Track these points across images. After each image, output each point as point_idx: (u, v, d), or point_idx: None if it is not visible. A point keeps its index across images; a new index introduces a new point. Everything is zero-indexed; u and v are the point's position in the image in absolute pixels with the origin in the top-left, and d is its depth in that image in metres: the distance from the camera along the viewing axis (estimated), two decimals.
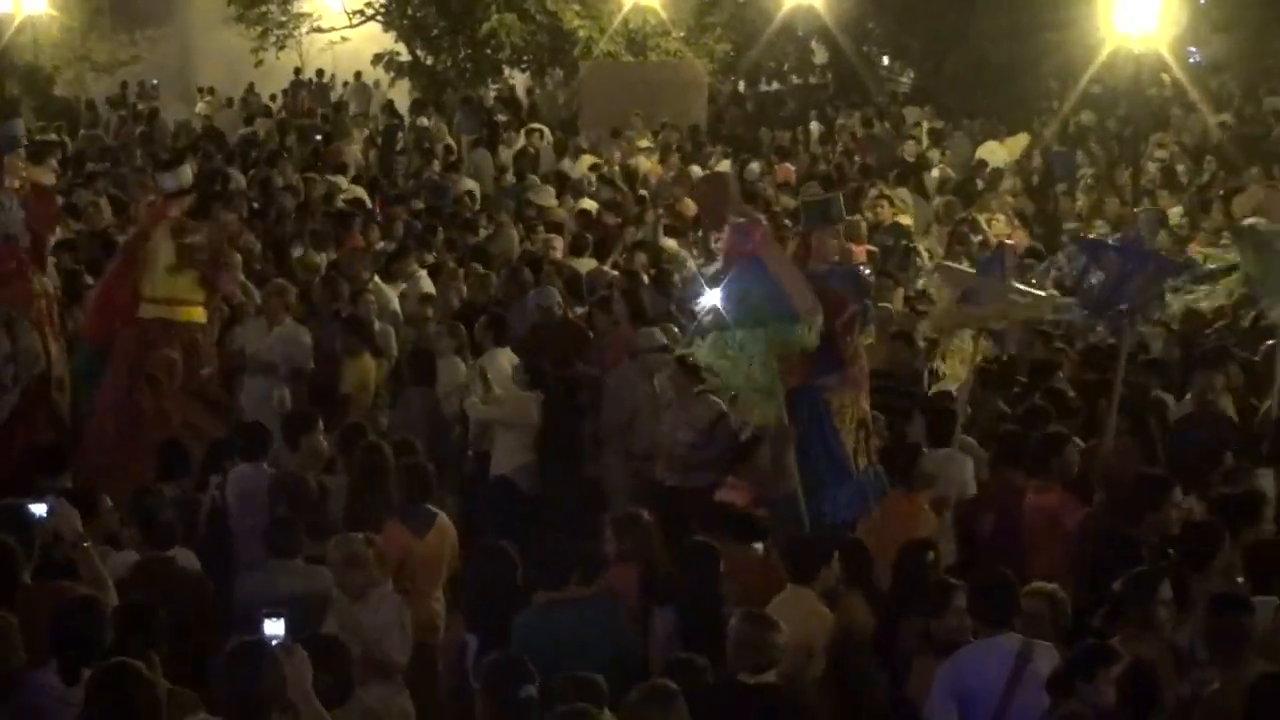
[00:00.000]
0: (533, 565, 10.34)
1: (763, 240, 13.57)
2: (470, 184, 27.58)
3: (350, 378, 16.35)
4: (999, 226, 23.92)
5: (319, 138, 33.24)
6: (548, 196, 25.58)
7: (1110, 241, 18.89)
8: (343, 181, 27.37)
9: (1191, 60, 39.01)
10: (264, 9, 45.83)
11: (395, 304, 19.02)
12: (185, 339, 15.49)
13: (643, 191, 27.19)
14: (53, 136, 33.46)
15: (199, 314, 15.71)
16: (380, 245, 21.64)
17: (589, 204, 25.50)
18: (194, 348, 15.58)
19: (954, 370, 16.28)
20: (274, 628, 7.89)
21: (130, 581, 10.07)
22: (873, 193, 25.95)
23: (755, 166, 28.67)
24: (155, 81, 49.60)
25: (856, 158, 30.48)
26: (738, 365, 12.60)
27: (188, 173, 18.31)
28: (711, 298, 13.17)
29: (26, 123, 37.84)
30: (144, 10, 60.53)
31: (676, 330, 16.53)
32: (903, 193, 26.74)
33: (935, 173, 29.58)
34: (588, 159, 30.39)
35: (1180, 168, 29.36)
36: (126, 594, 9.75)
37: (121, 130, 37.80)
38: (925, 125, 34.22)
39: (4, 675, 8.00)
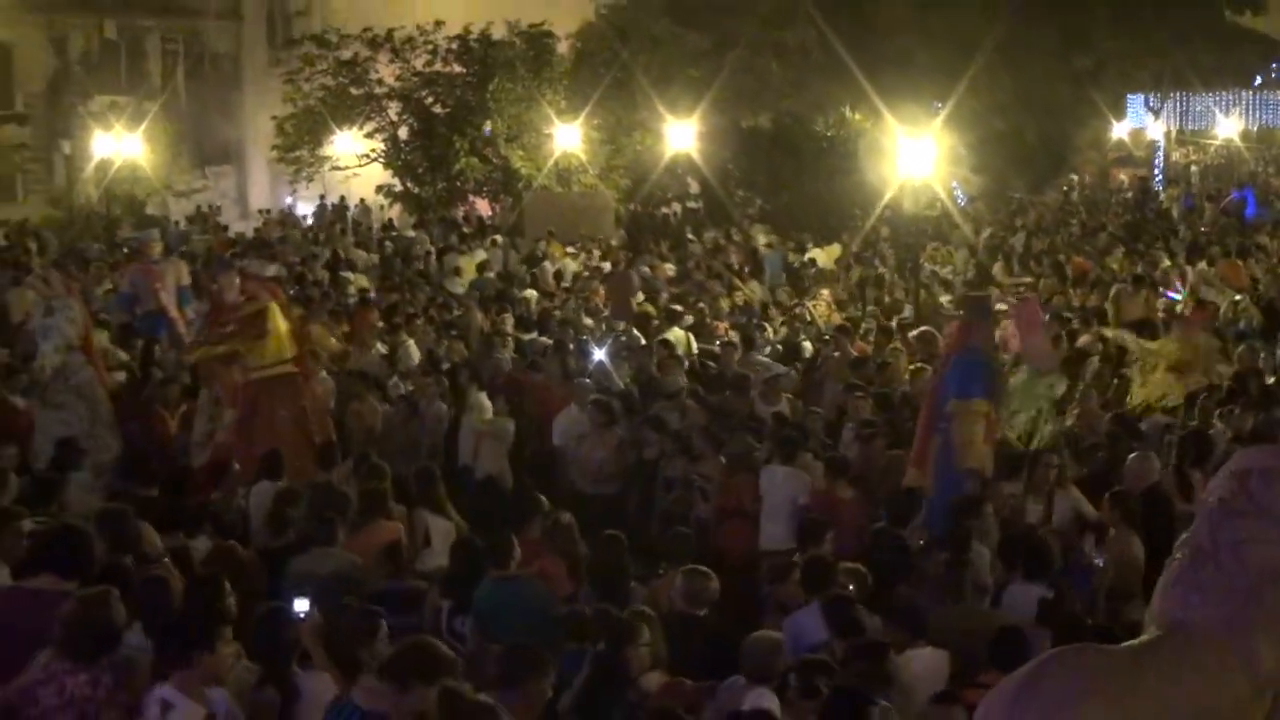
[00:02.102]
0: (489, 549, 10.32)
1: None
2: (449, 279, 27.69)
3: (365, 416, 16.38)
4: (821, 309, 24.16)
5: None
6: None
7: None
8: (351, 275, 27.44)
9: (955, 193, 39.42)
10: (298, 153, 45.84)
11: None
12: (288, 394, 15.14)
13: (565, 284, 27.36)
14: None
15: (294, 368, 15.39)
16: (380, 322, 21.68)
17: (530, 293, 25.63)
18: (295, 397, 15.25)
19: None
20: (300, 604, 8.01)
21: (206, 562, 10.09)
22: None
23: (646, 268, 28.77)
24: (219, 205, 49.40)
25: (720, 259, 30.62)
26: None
27: (274, 266, 18.43)
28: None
29: (124, 234, 37.75)
30: (211, 152, 60.48)
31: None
32: (753, 284, 26.98)
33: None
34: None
35: (948, 269, 29.71)
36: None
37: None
38: (763, 239, 34.40)
39: (114, 634, 7.61)
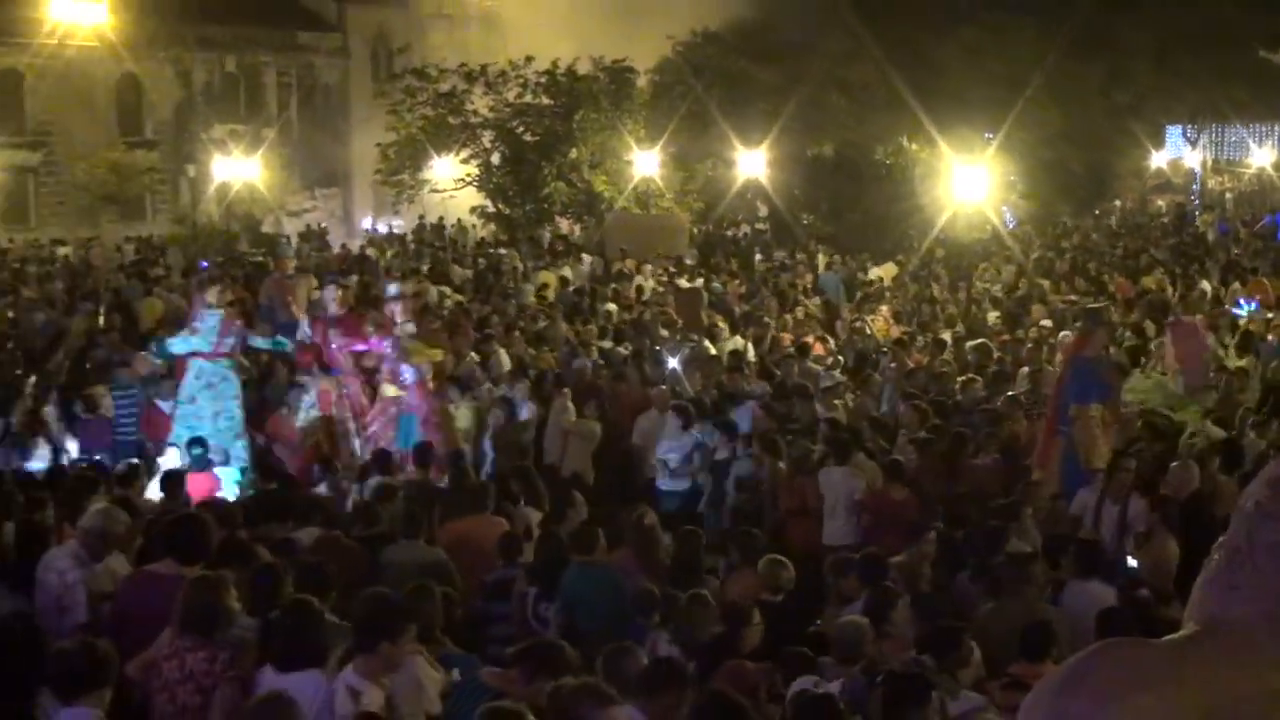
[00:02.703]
0: (573, 539, 10.35)
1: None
2: (530, 290, 27.67)
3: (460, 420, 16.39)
4: (880, 325, 24.04)
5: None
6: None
7: None
8: (448, 289, 27.44)
9: (1005, 216, 39.15)
10: (400, 177, 46.03)
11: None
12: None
13: (644, 298, 27.30)
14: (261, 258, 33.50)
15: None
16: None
17: (611, 306, 25.57)
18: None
19: None
20: None
21: (313, 549, 10.13)
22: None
23: (717, 285, 28.65)
24: (326, 225, 49.75)
25: (786, 277, 30.47)
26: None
27: (406, 285, 18.46)
28: None
29: (244, 248, 38.08)
30: (320, 175, 61.00)
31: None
32: (815, 300, 26.86)
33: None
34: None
35: (997, 285, 29.48)
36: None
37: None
38: (823, 259, 34.22)
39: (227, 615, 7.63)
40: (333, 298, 16.49)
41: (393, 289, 17.60)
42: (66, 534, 9.23)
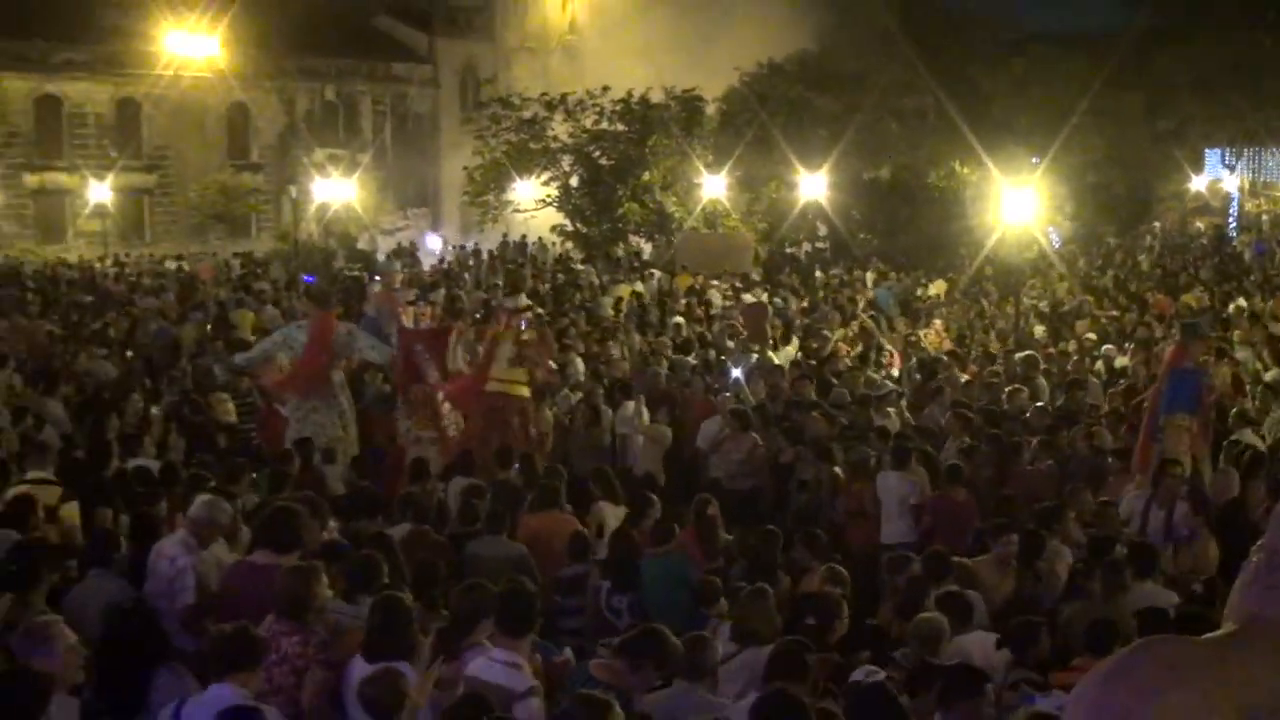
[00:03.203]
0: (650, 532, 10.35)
1: None
2: (608, 303, 27.65)
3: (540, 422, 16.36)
4: (933, 338, 23.87)
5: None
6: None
7: None
8: (523, 298, 27.49)
9: (1051, 236, 38.79)
10: (485, 198, 46.29)
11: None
12: (518, 408, 15.03)
13: (713, 311, 27.20)
14: (359, 273, 33.71)
15: (526, 391, 15.08)
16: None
17: (679, 319, 25.51)
18: (524, 414, 15.01)
19: None
20: None
21: (404, 544, 10.12)
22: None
23: (779, 300, 28.52)
24: (414, 241, 50.05)
25: (844, 292, 30.31)
26: None
27: (524, 298, 18.50)
28: None
29: (341, 265, 38.36)
30: (411, 196, 61.47)
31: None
32: (871, 315, 26.72)
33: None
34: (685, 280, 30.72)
35: (1043, 302, 29.21)
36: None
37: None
38: (870, 275, 33.97)
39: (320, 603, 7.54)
40: (426, 312, 16.52)
41: (509, 302, 17.68)
42: (177, 525, 9.32)
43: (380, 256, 42.83)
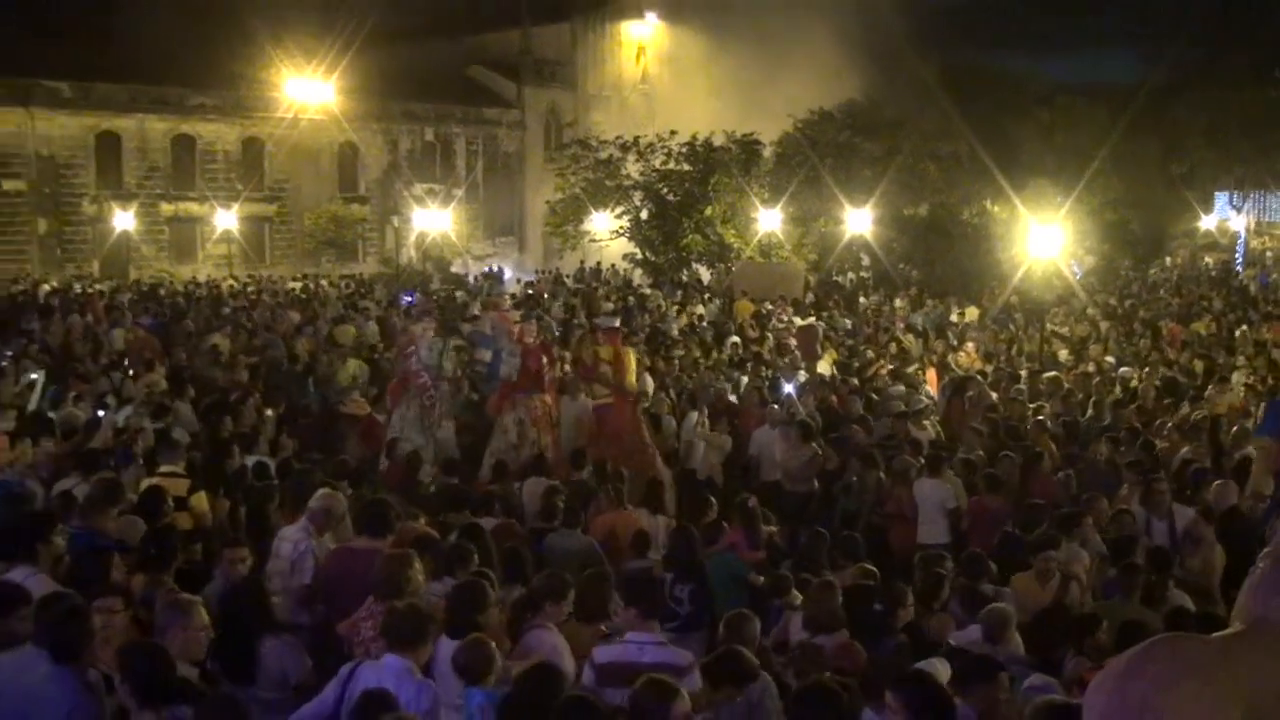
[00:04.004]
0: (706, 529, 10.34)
1: None
2: (676, 324, 27.62)
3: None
4: (964, 359, 23.67)
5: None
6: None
7: None
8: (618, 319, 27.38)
9: (1073, 269, 38.41)
10: (565, 228, 46.46)
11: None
12: (625, 418, 14.89)
13: (768, 333, 27.08)
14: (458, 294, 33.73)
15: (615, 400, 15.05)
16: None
17: (735, 338, 25.44)
18: (635, 424, 14.91)
19: None
20: None
21: (495, 533, 10.10)
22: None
23: (820, 324, 28.31)
24: (502, 266, 50.29)
25: (885, 317, 30.13)
26: None
27: (618, 319, 18.42)
28: None
29: (436, 286, 38.53)
30: (499, 226, 61.77)
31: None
32: (909, 337, 26.51)
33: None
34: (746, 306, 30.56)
35: (1065, 329, 28.87)
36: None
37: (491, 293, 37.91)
38: (899, 303, 33.72)
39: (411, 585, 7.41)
40: (532, 331, 16.49)
41: (606, 321, 17.61)
42: (293, 516, 9.42)
43: (470, 279, 43.01)
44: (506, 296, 25.00)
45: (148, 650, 5.58)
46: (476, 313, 24.29)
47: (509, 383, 15.35)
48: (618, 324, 18.41)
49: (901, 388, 19.26)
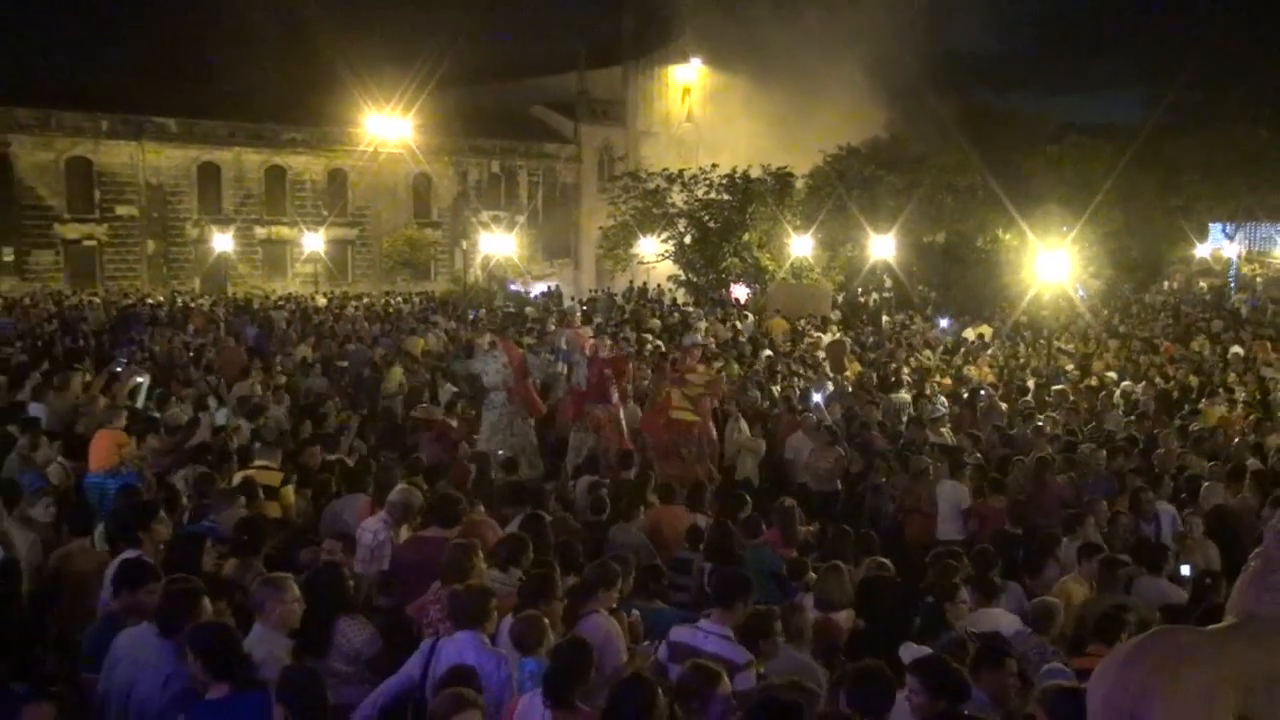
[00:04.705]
0: (739, 525, 10.29)
1: None
2: (710, 338, 27.53)
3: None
4: (976, 372, 23.52)
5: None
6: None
7: None
8: (650, 336, 27.41)
9: (1079, 293, 38.06)
10: (616, 252, 46.60)
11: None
12: (699, 430, 14.79)
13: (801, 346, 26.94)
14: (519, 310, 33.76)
15: (694, 417, 14.70)
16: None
17: (769, 352, 25.37)
18: (701, 438, 14.73)
19: None
20: None
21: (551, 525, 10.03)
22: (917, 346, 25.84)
23: (847, 339, 28.20)
24: (560, 284, 50.39)
25: (905, 334, 29.96)
26: None
27: (700, 336, 18.32)
28: None
29: (500, 302, 38.61)
30: (557, 249, 61.90)
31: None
32: (927, 352, 26.35)
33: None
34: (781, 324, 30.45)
35: (1070, 346, 28.62)
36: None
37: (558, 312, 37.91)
38: (918, 320, 33.53)
39: (470, 569, 7.37)
40: (605, 346, 16.41)
41: (689, 339, 17.53)
42: (375, 509, 9.47)
43: (532, 296, 43.14)
44: (576, 314, 24.82)
45: (214, 629, 5.66)
46: (552, 326, 24.29)
47: (580, 391, 15.30)
48: (700, 340, 18.29)
49: (907, 396, 19.18)
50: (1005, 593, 8.66)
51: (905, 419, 17.35)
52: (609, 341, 16.81)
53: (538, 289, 46.10)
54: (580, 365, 15.69)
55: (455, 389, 17.66)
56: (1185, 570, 10.11)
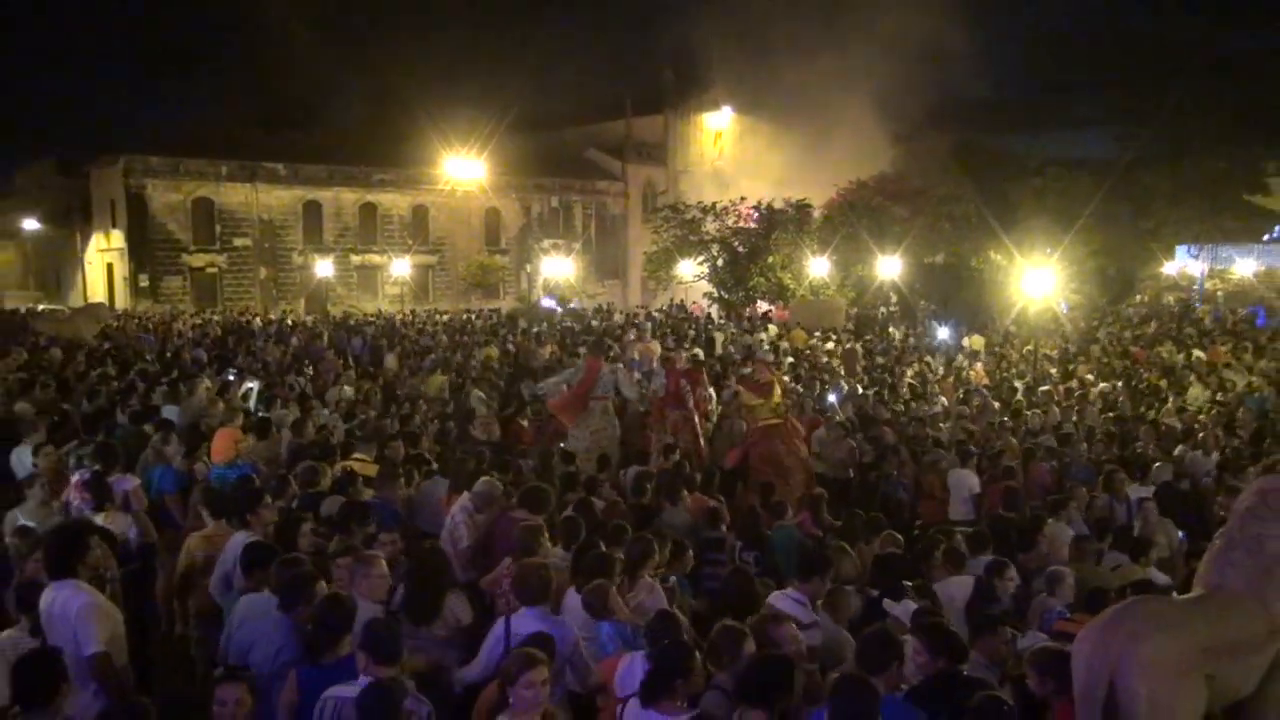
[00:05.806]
0: (768, 508, 10.20)
1: None
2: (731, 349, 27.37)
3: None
4: (974, 376, 23.28)
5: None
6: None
7: None
8: (686, 346, 27.17)
9: (1061, 306, 37.59)
10: (658, 273, 46.60)
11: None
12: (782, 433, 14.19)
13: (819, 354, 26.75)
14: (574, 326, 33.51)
15: (778, 420, 14.03)
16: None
17: (791, 358, 25.18)
18: (788, 438, 14.10)
19: None
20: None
21: (604, 511, 9.90)
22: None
23: (859, 347, 27.98)
24: (612, 301, 50.43)
25: (907, 343, 29.70)
26: None
27: (768, 351, 17.84)
28: None
29: (559, 318, 38.62)
30: (608, 271, 61.95)
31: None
32: (928, 359, 26.09)
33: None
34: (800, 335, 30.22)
35: (1055, 352, 28.24)
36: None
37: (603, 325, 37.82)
38: (919, 330, 33.20)
39: (537, 547, 7.50)
40: (681, 358, 16.06)
41: (763, 354, 17.23)
42: (453, 499, 9.44)
43: (587, 313, 43.21)
44: (645, 331, 24.31)
45: (334, 602, 5.73)
46: (632, 337, 24.02)
47: (659, 398, 15.07)
48: (773, 357, 17.88)
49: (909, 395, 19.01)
50: (970, 561, 8.46)
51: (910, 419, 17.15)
52: (683, 354, 16.29)
53: (572, 305, 45.82)
54: (655, 375, 15.50)
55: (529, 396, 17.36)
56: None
